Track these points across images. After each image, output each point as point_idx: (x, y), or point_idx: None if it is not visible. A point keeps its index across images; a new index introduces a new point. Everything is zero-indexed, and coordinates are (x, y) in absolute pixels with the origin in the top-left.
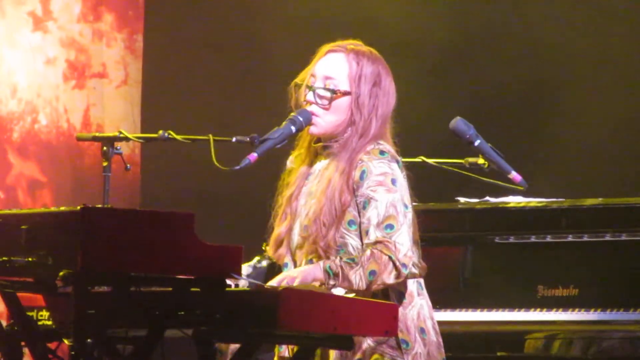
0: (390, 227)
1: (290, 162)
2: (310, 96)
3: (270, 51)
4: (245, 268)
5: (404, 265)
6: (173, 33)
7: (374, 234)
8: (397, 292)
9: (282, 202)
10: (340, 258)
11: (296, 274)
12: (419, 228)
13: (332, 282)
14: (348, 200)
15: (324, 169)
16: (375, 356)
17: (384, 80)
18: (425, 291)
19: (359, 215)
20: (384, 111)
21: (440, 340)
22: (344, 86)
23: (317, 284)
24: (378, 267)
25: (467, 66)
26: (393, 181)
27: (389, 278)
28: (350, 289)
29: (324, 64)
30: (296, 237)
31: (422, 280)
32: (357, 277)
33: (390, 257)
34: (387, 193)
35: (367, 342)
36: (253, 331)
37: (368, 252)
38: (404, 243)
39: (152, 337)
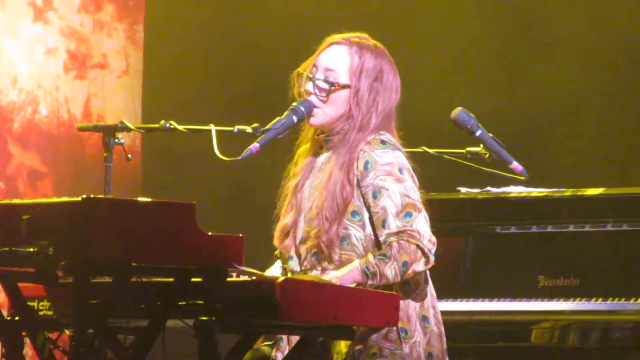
0: (409, 215)
1: (297, 153)
2: (309, 87)
3: (272, 41)
4: (276, 269)
5: (430, 251)
6: (174, 23)
7: (394, 224)
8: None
9: (287, 193)
10: (374, 255)
11: (333, 280)
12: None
13: (370, 282)
14: (350, 193)
15: (326, 163)
16: (374, 350)
17: (387, 75)
18: (430, 280)
19: (368, 206)
20: (385, 106)
21: (442, 329)
22: (344, 79)
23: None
24: (409, 257)
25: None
26: (400, 170)
27: (419, 265)
28: (386, 285)
29: (326, 55)
30: (301, 231)
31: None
32: (393, 272)
33: (418, 245)
34: (397, 182)
35: (368, 333)
36: (254, 321)
37: (395, 244)
38: (425, 229)
39: (153, 328)
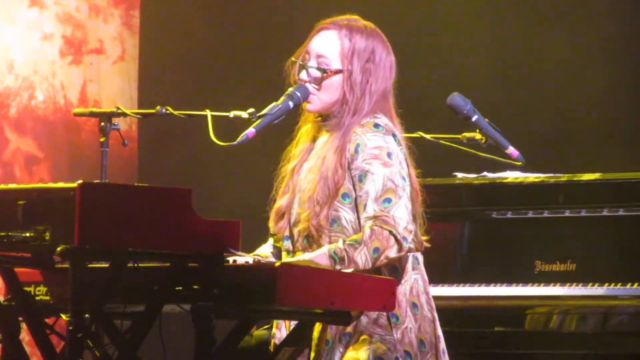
0: (388, 200)
1: (299, 133)
2: (303, 75)
3: (269, 25)
4: (267, 247)
5: (405, 238)
6: (170, 9)
7: (372, 208)
8: (390, 267)
9: (284, 175)
10: (344, 241)
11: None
12: (423, 202)
13: (338, 267)
14: (341, 177)
15: (322, 146)
16: (364, 337)
17: (379, 55)
18: (421, 266)
19: (355, 189)
20: (379, 87)
21: (435, 315)
22: (336, 64)
23: None
24: (381, 244)
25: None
26: (389, 155)
27: (392, 252)
28: (357, 270)
29: (317, 41)
30: (295, 213)
31: (419, 255)
32: (363, 257)
33: (390, 232)
34: (383, 167)
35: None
36: (251, 307)
37: (368, 230)
38: (402, 217)
39: (150, 313)
